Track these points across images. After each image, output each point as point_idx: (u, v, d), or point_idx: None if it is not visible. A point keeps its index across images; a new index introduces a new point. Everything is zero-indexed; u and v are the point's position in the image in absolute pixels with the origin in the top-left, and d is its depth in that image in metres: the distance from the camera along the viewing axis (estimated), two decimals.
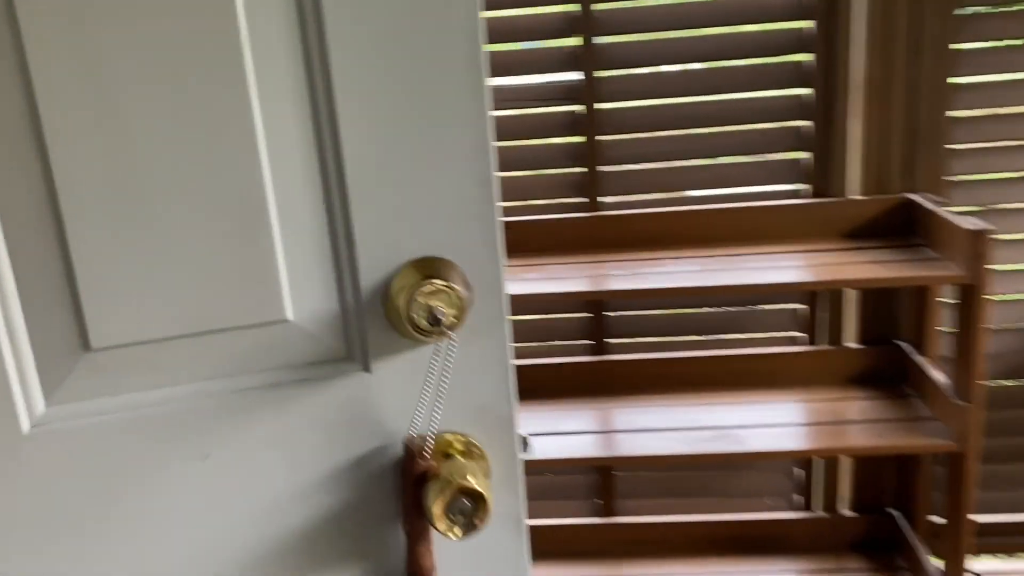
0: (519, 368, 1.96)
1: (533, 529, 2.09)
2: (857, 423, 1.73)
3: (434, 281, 0.67)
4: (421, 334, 0.68)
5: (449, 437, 0.73)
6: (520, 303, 1.81)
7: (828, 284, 1.64)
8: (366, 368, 0.70)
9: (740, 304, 1.95)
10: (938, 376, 1.72)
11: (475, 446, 0.73)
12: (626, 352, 1.97)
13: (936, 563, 1.81)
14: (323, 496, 0.72)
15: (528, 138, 1.91)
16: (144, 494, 0.68)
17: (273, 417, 0.69)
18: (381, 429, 0.71)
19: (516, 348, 2.00)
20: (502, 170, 1.92)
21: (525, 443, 0.72)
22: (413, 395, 0.71)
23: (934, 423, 1.69)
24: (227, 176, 0.64)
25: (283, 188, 0.66)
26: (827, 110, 1.80)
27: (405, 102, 0.65)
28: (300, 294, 0.68)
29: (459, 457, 0.72)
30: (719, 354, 1.92)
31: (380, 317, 0.69)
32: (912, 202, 1.79)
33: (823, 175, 1.84)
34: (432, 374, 0.70)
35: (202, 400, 0.68)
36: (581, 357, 1.97)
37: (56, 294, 0.64)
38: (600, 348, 1.98)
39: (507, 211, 1.94)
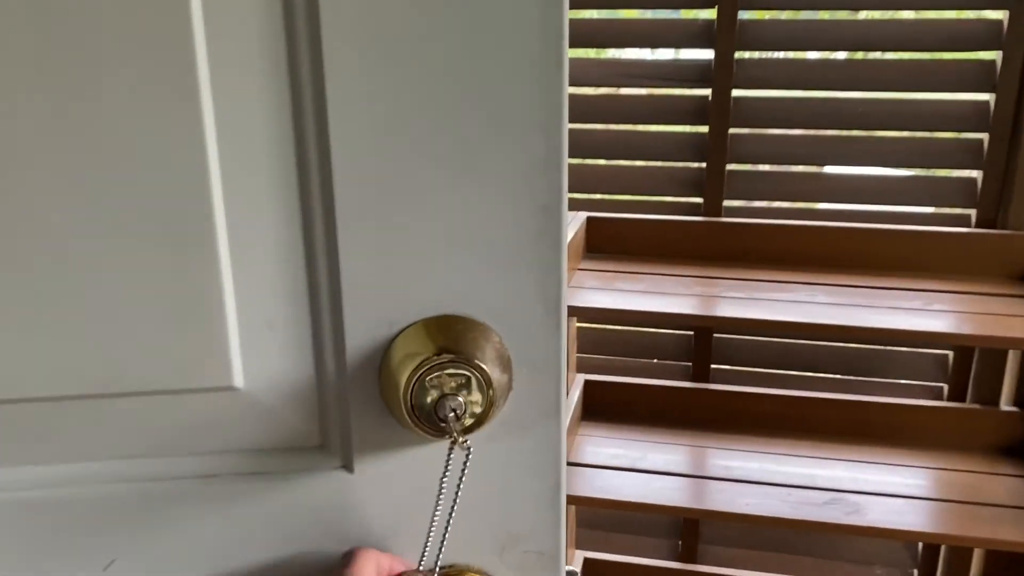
0: (602, 384, 1.71)
1: (601, 564, 1.84)
2: (1003, 507, 1.42)
3: (452, 357, 0.44)
4: (426, 429, 0.45)
5: (459, 574, 0.50)
6: (612, 314, 1.56)
7: (990, 341, 1.33)
8: (346, 466, 0.48)
9: (875, 342, 1.65)
10: None
11: None
12: (731, 382, 1.70)
13: None
14: None
15: (642, 122, 1.64)
16: None
17: (209, 520, 0.48)
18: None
19: (602, 360, 1.76)
20: (605, 156, 1.66)
21: None
22: (411, 511, 0.49)
23: None
24: (150, 181, 0.42)
25: (237, 197, 0.44)
26: (1012, 122, 1.47)
27: (426, 74, 0.42)
28: (256, 352, 0.46)
29: None
30: (842, 398, 1.63)
31: (373, 396, 0.47)
32: None
33: (995, 201, 1.52)
34: (445, 485, 0.48)
35: (111, 486, 0.47)
36: (678, 382, 1.71)
37: None
38: (702, 374, 1.71)
39: (608, 205, 1.68)
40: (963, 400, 1.63)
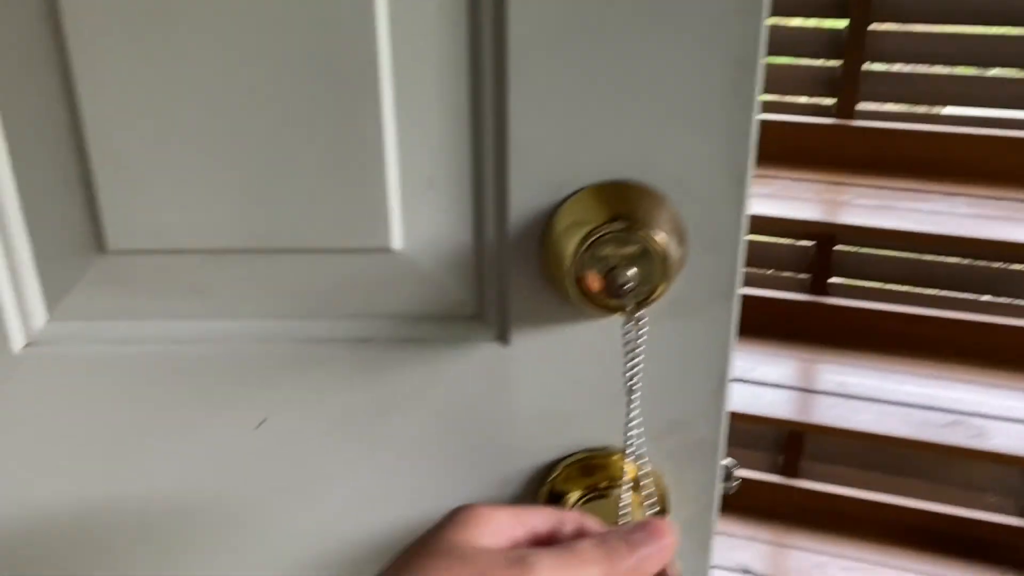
0: None
1: None
2: None
3: (626, 225, 0.41)
4: (593, 303, 0.42)
5: (607, 459, 0.48)
6: None
7: None
8: (502, 338, 0.46)
9: (1011, 260, 1.55)
10: None
11: (655, 477, 0.47)
12: (852, 297, 1.63)
13: None
14: (410, 508, 0.49)
15: (773, 14, 1.54)
16: (165, 462, 0.49)
17: (359, 386, 0.47)
18: (509, 433, 0.47)
19: None
20: None
21: (728, 475, 0.45)
22: (566, 390, 0.46)
23: None
24: (315, 29, 0.39)
25: (403, 43, 0.40)
26: None
27: None
28: (415, 213, 0.43)
29: (616, 495, 0.46)
30: (969, 318, 1.54)
31: (534, 266, 0.44)
32: None
33: None
34: (609, 362, 0.45)
35: (262, 345, 0.46)
36: (795, 294, 1.64)
37: (59, 166, 0.42)
38: (820, 286, 1.64)
39: None
40: None
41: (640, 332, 0.41)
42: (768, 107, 1.57)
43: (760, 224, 1.51)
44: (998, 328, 1.53)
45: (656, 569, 0.37)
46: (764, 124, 1.51)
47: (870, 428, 1.37)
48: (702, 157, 0.41)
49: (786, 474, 1.79)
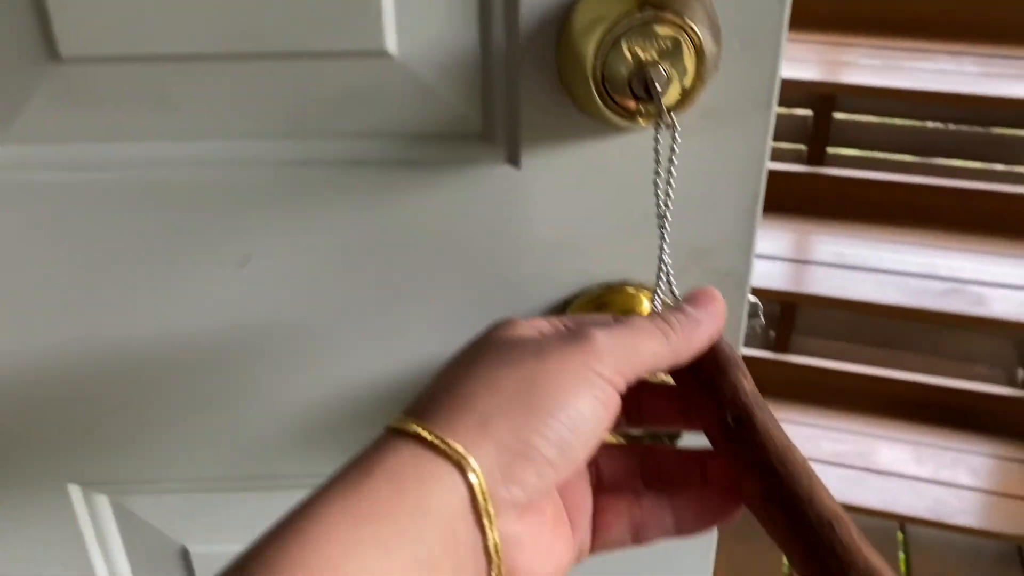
0: None
1: None
2: None
3: (659, 14, 0.35)
4: (618, 110, 0.38)
5: (627, 293, 0.44)
6: None
7: None
8: (512, 159, 0.41)
9: (1015, 124, 1.50)
10: None
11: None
12: (849, 166, 1.58)
13: None
14: (419, 347, 0.45)
15: None
16: (139, 304, 0.44)
17: (354, 213, 0.42)
18: (520, 265, 0.43)
19: None
20: None
21: (755, 311, 0.41)
22: (586, 214, 0.42)
23: None
24: None
25: None
26: None
27: None
28: (412, 10, 0.38)
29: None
30: (968, 186, 1.51)
31: (549, 72, 0.39)
32: None
33: None
34: (633, 184, 0.40)
35: (241, 169, 0.41)
36: (789, 164, 1.59)
37: None
38: (818, 156, 1.59)
39: None
40: None
41: (673, 144, 0.37)
42: None
43: None
44: (998, 196, 1.49)
45: (711, 335, 0.34)
46: None
47: (867, 297, 1.35)
48: None
49: (777, 349, 1.78)
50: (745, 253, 0.43)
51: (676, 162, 0.37)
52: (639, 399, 0.36)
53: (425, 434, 0.29)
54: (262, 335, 0.45)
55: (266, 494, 0.44)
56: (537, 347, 0.31)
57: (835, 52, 1.35)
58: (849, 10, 1.42)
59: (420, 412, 0.30)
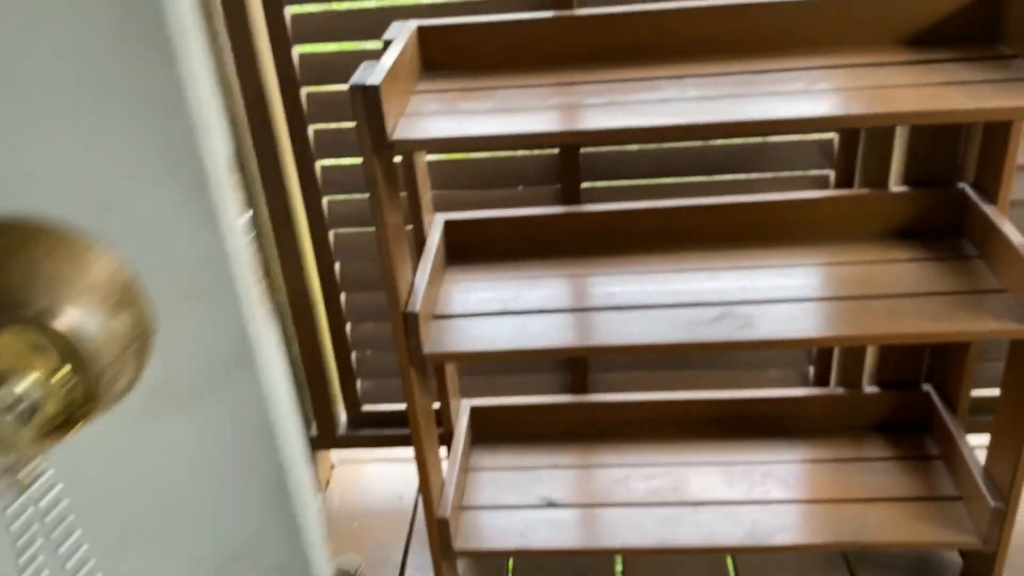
0: (464, 223, 1.52)
1: (490, 411, 1.72)
2: (900, 297, 1.33)
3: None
4: None
5: None
6: (461, 143, 1.34)
7: (884, 118, 1.17)
8: None
9: (748, 135, 1.49)
10: (1012, 233, 1.30)
11: None
12: (605, 200, 1.53)
13: (976, 446, 1.48)
14: None
15: None
16: None
17: None
18: None
19: (461, 194, 1.55)
20: None
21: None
22: None
23: (1001, 297, 1.29)
24: None
25: None
26: None
27: None
28: None
29: None
30: (721, 202, 1.49)
31: None
32: None
33: None
34: None
35: None
36: (547, 208, 1.53)
37: None
38: (572, 195, 1.53)
39: (441, 9, 1.42)
40: (850, 186, 1.51)
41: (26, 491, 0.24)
42: (475, 8, 1.41)
43: (493, 142, 1.36)
44: (750, 207, 1.48)
45: None
46: (473, 28, 1.31)
47: (640, 340, 1.29)
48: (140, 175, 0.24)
49: (576, 391, 1.71)
50: (292, 544, 0.32)
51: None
52: None
53: None
54: None
55: None
56: None
57: (563, 94, 1.28)
58: (568, 45, 1.36)
59: None
